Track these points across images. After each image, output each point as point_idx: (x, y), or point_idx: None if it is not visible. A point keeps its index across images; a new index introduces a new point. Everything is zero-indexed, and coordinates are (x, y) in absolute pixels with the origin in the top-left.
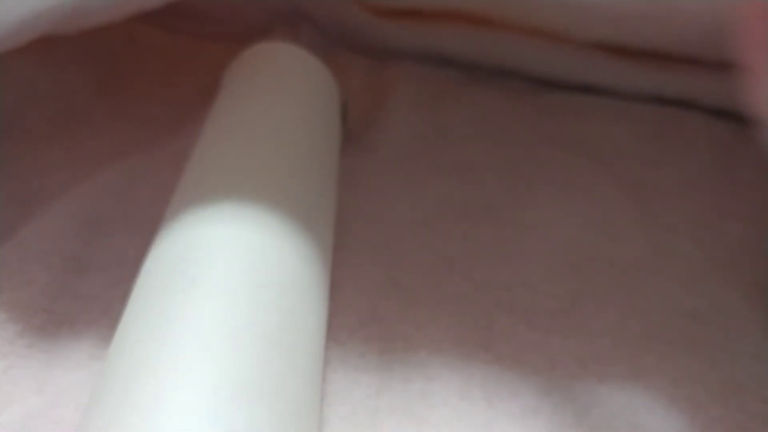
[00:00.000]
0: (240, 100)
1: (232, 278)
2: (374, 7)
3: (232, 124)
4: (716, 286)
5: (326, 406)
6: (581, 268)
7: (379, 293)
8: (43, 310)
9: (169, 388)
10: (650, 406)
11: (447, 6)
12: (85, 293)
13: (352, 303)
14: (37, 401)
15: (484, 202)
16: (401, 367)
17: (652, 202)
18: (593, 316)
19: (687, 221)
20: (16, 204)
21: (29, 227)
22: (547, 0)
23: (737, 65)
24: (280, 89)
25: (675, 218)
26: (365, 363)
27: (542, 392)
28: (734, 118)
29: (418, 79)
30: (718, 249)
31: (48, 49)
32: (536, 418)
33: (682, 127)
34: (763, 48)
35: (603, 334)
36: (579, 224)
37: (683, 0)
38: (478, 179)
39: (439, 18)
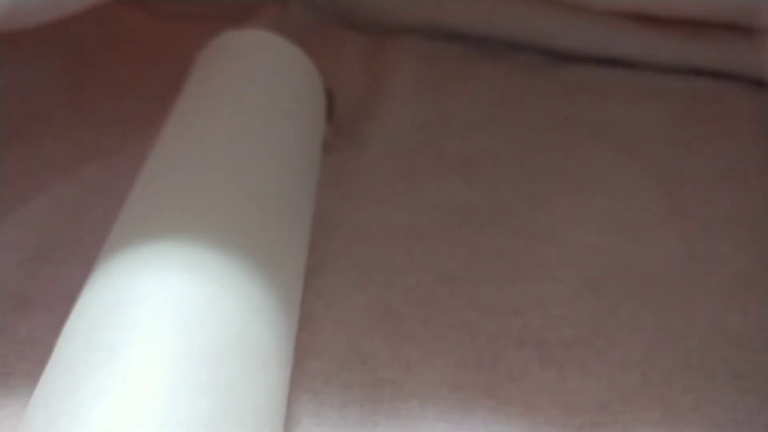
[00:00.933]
0: (202, 98)
1: (156, 350)
2: None
3: (190, 128)
4: (764, 299)
5: None
6: (605, 283)
7: (365, 326)
8: None
9: None
10: None
11: None
12: (24, 336)
13: (331, 341)
14: None
15: (493, 205)
16: (388, 421)
17: (687, 196)
18: (619, 345)
19: (729, 217)
20: None
21: None
22: None
23: None
24: (248, 84)
25: (714, 214)
26: (344, 418)
27: None
28: None
29: (420, 57)
30: None
31: (9, 41)
32: None
33: (720, 103)
34: None
35: (630, 368)
36: (602, 228)
37: None
38: (485, 176)
39: None
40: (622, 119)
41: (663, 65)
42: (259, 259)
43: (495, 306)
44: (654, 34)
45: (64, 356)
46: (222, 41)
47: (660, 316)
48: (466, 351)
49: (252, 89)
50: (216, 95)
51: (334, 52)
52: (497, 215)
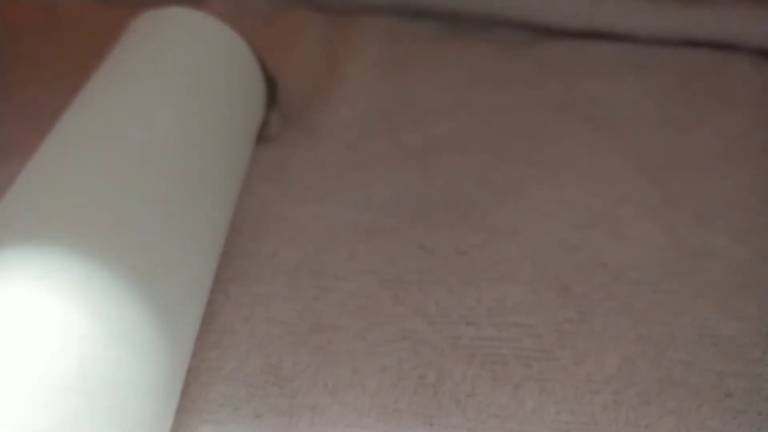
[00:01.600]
0: (108, 78)
1: None
2: None
3: (83, 115)
4: (764, 300)
5: None
6: (575, 286)
7: (289, 342)
8: None
9: None
10: None
11: None
12: None
13: (245, 361)
14: None
15: (452, 198)
16: None
17: (676, 182)
18: (588, 359)
19: (724, 206)
20: None
21: None
22: None
23: None
24: (161, 61)
25: (708, 203)
26: None
27: None
28: None
29: (386, 38)
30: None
31: None
32: None
33: (720, 77)
34: None
35: (600, 386)
36: (575, 221)
37: None
38: (446, 166)
39: None
40: (607, 98)
41: (654, 37)
42: (134, 269)
43: (445, 314)
44: (644, 2)
45: None
46: (144, 19)
47: (639, 322)
48: (406, 369)
49: (165, 66)
50: (125, 74)
51: (292, 35)
52: (456, 209)
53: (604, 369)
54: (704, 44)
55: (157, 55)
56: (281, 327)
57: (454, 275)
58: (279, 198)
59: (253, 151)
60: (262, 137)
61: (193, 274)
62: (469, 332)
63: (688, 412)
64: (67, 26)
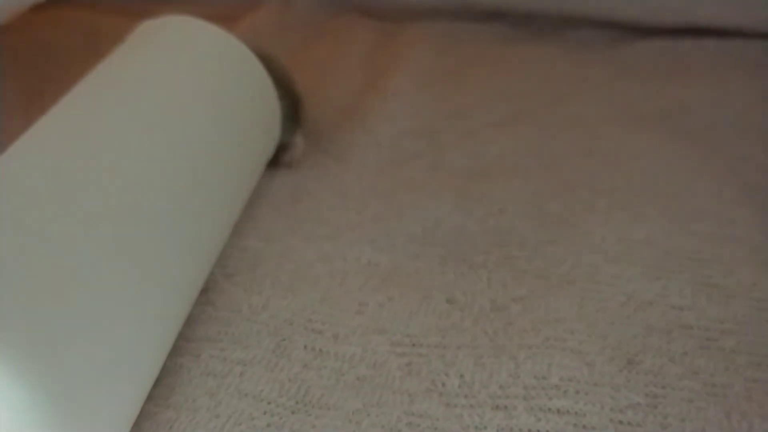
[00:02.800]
0: (104, 78)
1: None
2: None
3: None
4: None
5: None
6: (646, 355)
7: (261, 425)
8: None
9: None
10: None
11: None
12: None
13: None
14: None
15: (495, 235)
16: None
17: None
18: None
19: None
20: None
21: None
22: None
23: None
24: (157, 64)
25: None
26: None
27: None
28: None
29: (440, 43)
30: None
31: None
32: None
33: None
34: None
35: None
36: (653, 266)
37: None
38: (494, 193)
39: None
40: (704, 107)
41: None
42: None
43: (469, 393)
44: None
45: None
46: (148, 26)
47: (734, 412)
48: None
49: (157, 67)
50: (119, 75)
51: (338, 46)
52: (496, 250)
53: None
54: None
55: (151, 57)
56: (255, 405)
57: (487, 339)
58: (286, 234)
59: (265, 176)
60: (282, 162)
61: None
62: (497, 419)
63: None
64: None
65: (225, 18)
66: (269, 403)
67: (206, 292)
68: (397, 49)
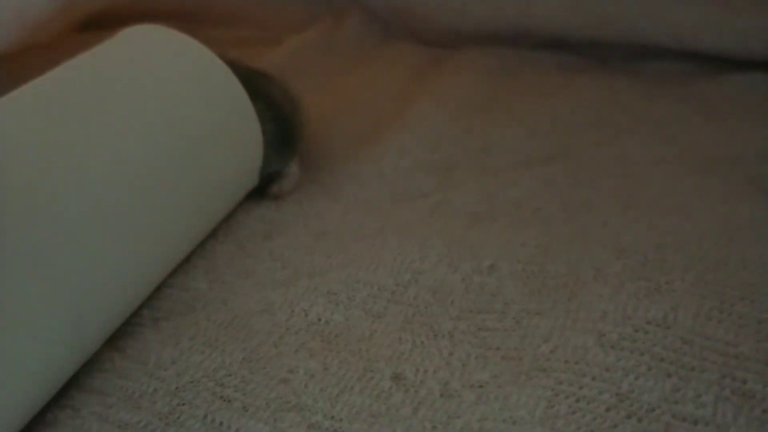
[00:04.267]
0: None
1: None
2: None
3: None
4: None
5: None
6: None
7: None
8: None
9: None
10: None
11: None
12: None
13: None
14: None
15: (481, 299)
16: None
17: None
18: None
19: None
20: None
21: None
22: None
23: None
24: (117, 67)
25: None
26: None
27: None
28: None
29: (489, 71)
30: None
31: None
32: None
33: None
34: None
35: None
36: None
37: None
38: (495, 246)
39: None
40: None
41: None
42: None
43: None
44: None
45: None
46: (125, 33)
47: None
48: None
49: (117, 70)
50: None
51: (378, 72)
52: (473, 317)
53: None
54: None
55: (113, 62)
56: None
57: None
58: (238, 276)
59: (245, 207)
60: (270, 193)
61: None
62: None
63: None
64: None
65: (272, 41)
66: None
67: (122, 336)
68: (439, 76)
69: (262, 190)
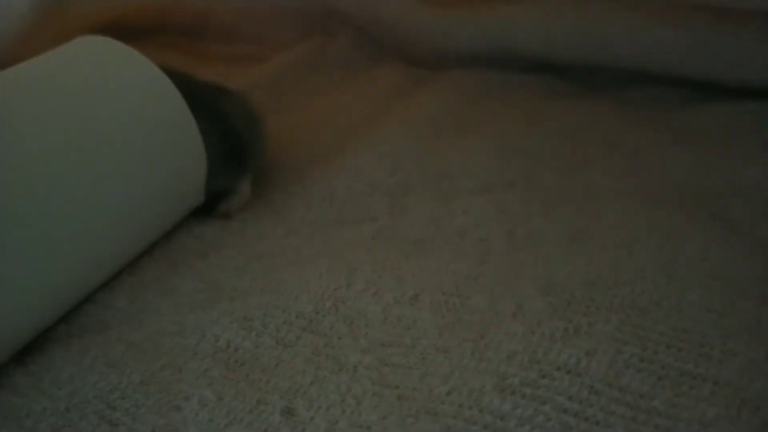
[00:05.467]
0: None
1: None
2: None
3: None
4: None
5: None
6: None
7: None
8: None
9: None
10: None
11: None
12: None
13: None
14: None
15: (398, 335)
16: None
17: None
18: None
19: None
20: None
21: None
22: None
23: None
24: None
25: None
26: None
27: None
28: None
29: (469, 93)
30: None
31: None
32: None
33: None
34: None
35: None
36: None
37: None
38: (420, 279)
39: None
40: None
41: None
42: None
43: None
44: None
45: None
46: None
47: None
48: None
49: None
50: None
51: (357, 93)
52: (381, 351)
53: None
54: None
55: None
56: None
57: None
58: (160, 295)
59: (188, 224)
60: (219, 211)
61: None
62: None
63: None
64: None
65: (267, 57)
66: None
67: (31, 351)
68: (418, 97)
69: (210, 207)
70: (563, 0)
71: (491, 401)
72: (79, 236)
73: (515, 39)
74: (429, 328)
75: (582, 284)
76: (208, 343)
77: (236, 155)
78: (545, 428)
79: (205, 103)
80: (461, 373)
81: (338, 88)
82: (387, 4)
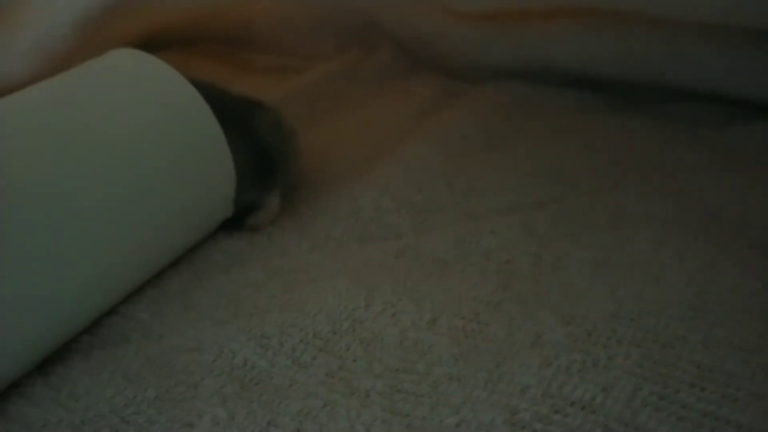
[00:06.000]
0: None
1: None
2: (461, 13)
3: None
4: None
5: None
6: None
7: None
8: None
9: None
10: None
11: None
12: None
13: None
14: None
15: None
16: None
17: None
18: None
19: None
20: None
21: None
22: None
23: None
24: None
25: None
26: None
27: None
28: None
29: (503, 107)
30: None
31: None
32: None
33: None
34: None
35: None
36: None
37: None
38: (439, 301)
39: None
40: None
41: None
42: None
43: None
44: None
45: None
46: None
47: None
48: None
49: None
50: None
51: (392, 105)
52: (394, 377)
53: None
54: None
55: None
56: None
57: None
58: (182, 310)
59: (215, 237)
60: (247, 225)
61: None
62: None
63: None
64: None
65: (306, 68)
66: None
67: (54, 361)
68: (450, 111)
69: (239, 220)
70: (603, 16)
71: None
72: (107, 249)
73: (553, 54)
74: (444, 355)
75: (604, 314)
76: (224, 359)
77: (266, 170)
78: None
79: (237, 117)
80: (473, 404)
81: (373, 100)
82: (426, 18)
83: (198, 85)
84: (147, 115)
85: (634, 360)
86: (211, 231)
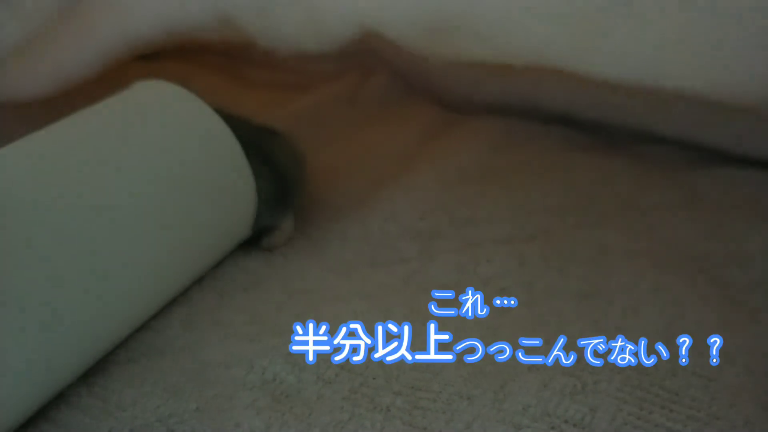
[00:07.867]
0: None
1: None
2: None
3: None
4: None
5: None
6: None
7: None
8: None
9: None
10: None
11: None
12: None
13: None
14: None
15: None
16: None
17: None
18: None
19: None
20: None
21: None
22: None
23: None
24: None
25: None
26: None
27: None
28: None
29: (495, 141)
30: None
31: None
32: None
33: None
34: None
35: None
36: None
37: None
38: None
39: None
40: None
41: None
42: None
43: None
44: None
45: None
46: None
47: None
48: None
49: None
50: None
51: (390, 132)
52: (409, 395)
53: None
54: None
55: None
56: None
57: None
58: (211, 326)
59: (234, 257)
60: (262, 246)
61: None
62: None
63: None
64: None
65: (306, 86)
66: None
67: (95, 372)
68: (447, 142)
69: (255, 241)
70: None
71: None
72: (143, 268)
73: (539, 93)
74: (455, 377)
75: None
76: (255, 374)
77: (282, 194)
78: None
79: (257, 145)
80: (482, 421)
81: (373, 124)
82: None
83: (223, 115)
84: (178, 146)
85: (616, 385)
86: (232, 251)
